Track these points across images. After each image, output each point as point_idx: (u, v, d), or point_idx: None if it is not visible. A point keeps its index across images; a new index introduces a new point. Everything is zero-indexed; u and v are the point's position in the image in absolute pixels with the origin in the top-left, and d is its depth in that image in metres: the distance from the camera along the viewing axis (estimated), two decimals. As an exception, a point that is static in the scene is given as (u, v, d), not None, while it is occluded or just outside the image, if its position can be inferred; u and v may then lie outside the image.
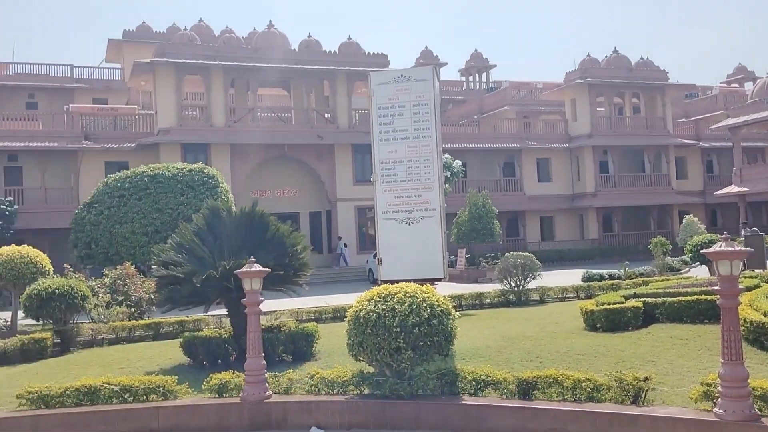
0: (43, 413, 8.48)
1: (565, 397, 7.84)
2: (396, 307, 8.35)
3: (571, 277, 22.54)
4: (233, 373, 9.03)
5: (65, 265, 19.48)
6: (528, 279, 18.13)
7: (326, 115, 36.50)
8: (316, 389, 8.76)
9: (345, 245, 34.71)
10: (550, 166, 42.04)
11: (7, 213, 29.43)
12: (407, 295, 8.53)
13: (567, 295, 18.20)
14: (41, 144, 32.06)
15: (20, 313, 15.61)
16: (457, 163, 31.75)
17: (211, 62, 33.23)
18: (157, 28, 46.00)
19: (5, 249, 17.08)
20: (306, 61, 35.16)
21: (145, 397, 8.76)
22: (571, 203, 41.25)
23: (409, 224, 12.31)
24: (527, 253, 18.92)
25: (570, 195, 41.73)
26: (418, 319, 8.23)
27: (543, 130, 42.95)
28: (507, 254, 19.18)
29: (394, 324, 8.18)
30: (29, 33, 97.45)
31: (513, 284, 18.06)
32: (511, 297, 17.69)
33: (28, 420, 8.38)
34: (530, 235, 40.45)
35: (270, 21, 37.36)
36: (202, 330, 13.00)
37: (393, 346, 8.20)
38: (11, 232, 28.83)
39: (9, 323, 16.64)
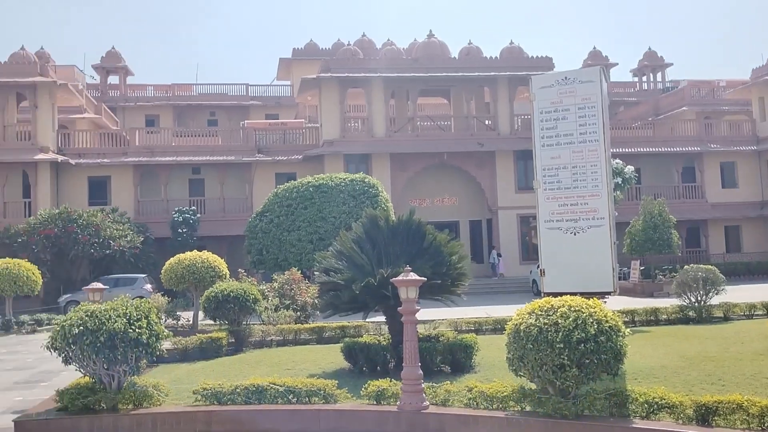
0: (215, 409, 8.95)
1: (751, 425, 7.05)
2: (559, 321, 7.91)
3: (760, 292, 20.63)
4: (390, 381, 9.02)
5: (239, 269, 20.76)
6: (710, 294, 16.72)
7: (487, 122, 36.11)
8: (475, 403, 8.52)
9: (499, 255, 34.08)
10: (735, 170, 38.58)
11: (191, 221, 32.01)
12: (572, 309, 8.06)
13: (755, 313, 16.59)
14: (220, 158, 34.56)
15: (200, 314, 16.76)
16: (630, 168, 30.06)
17: (372, 75, 34.06)
18: (323, 45, 48.09)
19: (188, 254, 18.54)
20: (466, 68, 34.99)
21: (307, 399, 9.00)
22: (761, 211, 37.57)
23: (575, 234, 11.70)
24: (709, 266, 17.46)
25: (759, 202, 38.03)
26: (583, 335, 7.74)
27: (727, 131, 39.53)
28: (686, 267, 17.85)
29: (557, 339, 7.75)
30: (210, 56, 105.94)
31: (693, 299, 16.76)
32: (690, 313, 16.42)
33: (203, 415, 8.88)
34: (713, 246, 37.31)
35: (430, 31, 37.63)
36: (362, 336, 13.20)
37: (556, 363, 7.77)
38: (195, 238, 31.30)
39: (191, 322, 18.00)
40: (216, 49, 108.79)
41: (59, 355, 9.04)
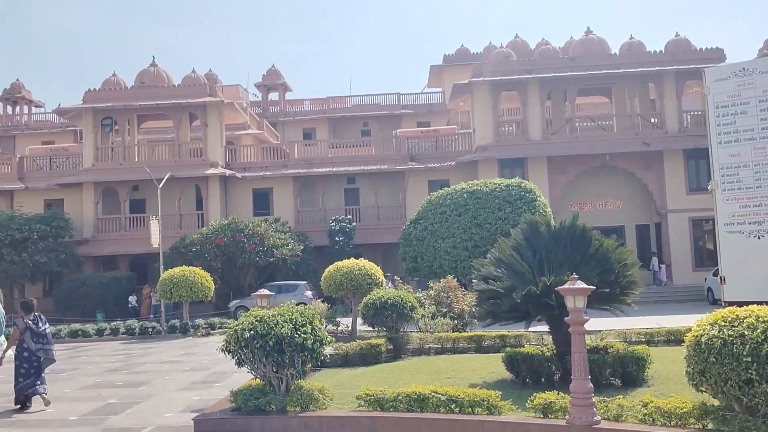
0: (378, 415, 9.00)
1: None
2: (746, 333, 7.17)
3: None
4: (558, 394, 8.61)
5: (396, 277, 20.98)
6: None
7: (652, 120, 34.16)
8: (650, 419, 7.92)
9: (661, 263, 31.98)
10: None
11: (347, 230, 32.96)
12: (759, 319, 7.28)
13: None
14: (374, 167, 35.35)
15: (358, 320, 17.10)
16: (818, 165, 27.12)
17: (527, 76, 33.34)
18: (474, 50, 47.86)
19: (346, 262, 19.01)
20: (628, 64, 33.31)
21: (470, 409, 8.81)
22: None
23: (759, 237, 10.67)
24: None
25: None
26: (775, 348, 6.96)
27: None
28: None
29: (744, 352, 7.03)
30: (363, 67, 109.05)
31: None
32: None
33: (366, 420, 8.95)
34: None
35: (588, 27, 36.33)
36: (523, 346, 12.81)
37: (743, 378, 7.05)
38: (351, 246, 32.19)
39: (350, 329, 18.42)
40: (368, 60, 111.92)
41: (233, 357, 9.49)
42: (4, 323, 13.44)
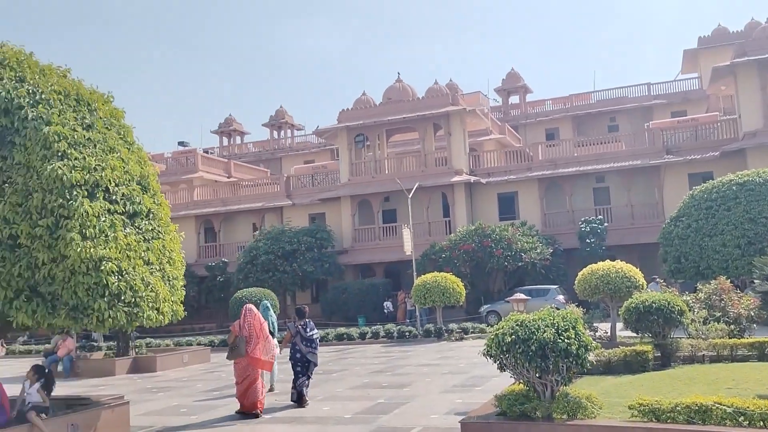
0: (655, 426, 8.41)
1: None
2: None
3: None
4: None
5: (657, 279, 19.59)
6: None
7: None
8: None
9: None
10: None
11: (599, 231, 31.54)
12: None
13: None
14: (625, 163, 33.46)
15: (618, 325, 16.21)
16: None
17: (802, 49, 29.39)
18: (733, 28, 43.42)
19: (601, 264, 18.17)
20: None
21: (762, 423, 7.88)
22: None
23: None
24: None
25: None
26: None
27: None
28: None
29: None
30: (607, 60, 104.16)
31: None
32: None
33: (642, 431, 8.41)
34: None
35: None
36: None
37: None
38: (603, 248, 30.75)
39: (608, 334, 17.56)
40: (612, 51, 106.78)
41: (494, 361, 9.47)
42: (277, 327, 15.07)
